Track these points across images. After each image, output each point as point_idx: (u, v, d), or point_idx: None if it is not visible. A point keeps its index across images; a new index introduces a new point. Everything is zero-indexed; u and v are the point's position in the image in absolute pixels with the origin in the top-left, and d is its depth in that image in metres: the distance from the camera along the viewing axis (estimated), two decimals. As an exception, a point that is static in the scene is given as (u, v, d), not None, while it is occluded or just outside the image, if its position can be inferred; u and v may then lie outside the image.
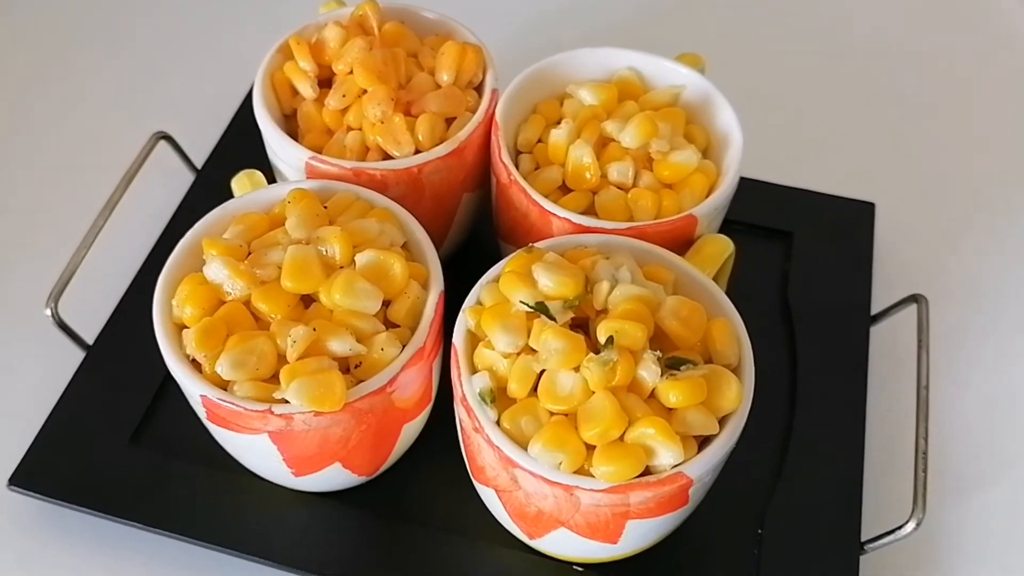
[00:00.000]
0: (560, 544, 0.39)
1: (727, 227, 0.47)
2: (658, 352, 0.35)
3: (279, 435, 0.37)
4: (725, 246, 0.43)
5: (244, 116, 0.59)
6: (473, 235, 0.52)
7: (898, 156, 0.62)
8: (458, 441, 0.41)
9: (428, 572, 0.42)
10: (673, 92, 0.48)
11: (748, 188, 0.49)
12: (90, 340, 0.50)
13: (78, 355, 0.49)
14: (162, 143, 0.54)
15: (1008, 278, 0.56)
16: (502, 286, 0.37)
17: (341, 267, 0.38)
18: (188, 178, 0.57)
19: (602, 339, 0.35)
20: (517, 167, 0.46)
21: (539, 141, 0.46)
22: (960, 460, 0.49)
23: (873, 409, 0.49)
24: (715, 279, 0.42)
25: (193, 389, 0.37)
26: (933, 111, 0.65)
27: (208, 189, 0.56)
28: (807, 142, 0.63)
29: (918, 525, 0.41)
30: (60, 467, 0.45)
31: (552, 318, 0.36)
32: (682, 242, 0.43)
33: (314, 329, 0.36)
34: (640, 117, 0.44)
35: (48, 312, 0.47)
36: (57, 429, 0.46)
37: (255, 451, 0.39)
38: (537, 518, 0.38)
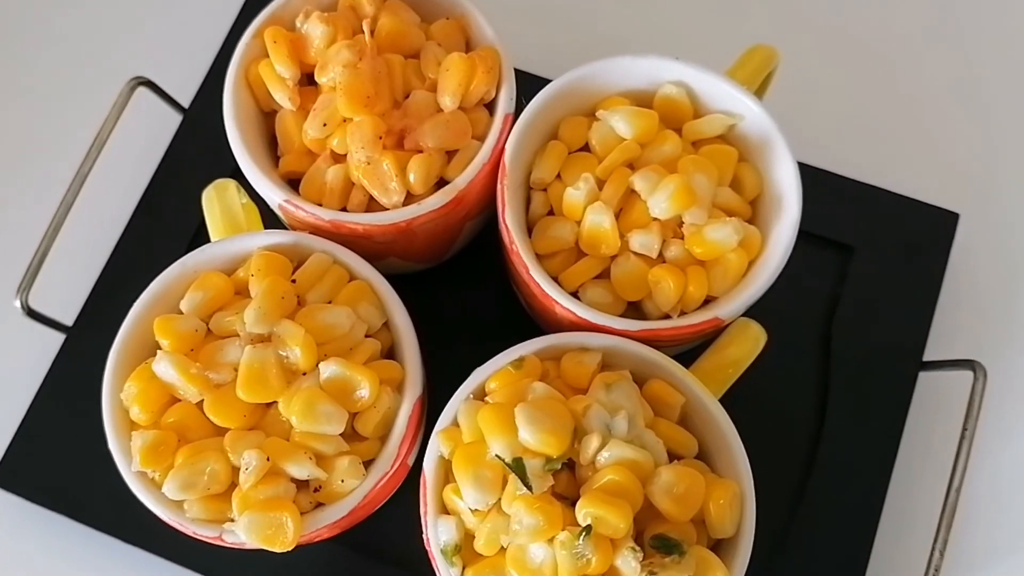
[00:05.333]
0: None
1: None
2: (638, 550, 0.31)
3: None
4: (753, 347, 0.37)
5: (228, 53, 0.51)
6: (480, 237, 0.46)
7: (990, 162, 0.52)
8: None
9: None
10: (726, 122, 0.39)
11: (812, 178, 0.40)
12: (69, 321, 0.47)
13: (59, 338, 0.47)
14: (140, 90, 0.47)
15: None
16: (480, 421, 0.33)
17: (304, 373, 0.34)
18: (167, 126, 0.50)
19: (580, 520, 0.31)
20: (528, 204, 0.40)
21: (558, 176, 0.39)
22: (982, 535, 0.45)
23: (904, 465, 0.45)
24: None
25: (147, 503, 0.34)
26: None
27: (194, 135, 0.50)
28: (890, 135, 0.52)
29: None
30: (38, 469, 0.44)
31: (528, 486, 0.31)
32: (704, 337, 0.37)
33: (268, 459, 0.33)
34: (676, 184, 0.36)
35: (17, 304, 0.44)
36: (35, 427, 0.45)
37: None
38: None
